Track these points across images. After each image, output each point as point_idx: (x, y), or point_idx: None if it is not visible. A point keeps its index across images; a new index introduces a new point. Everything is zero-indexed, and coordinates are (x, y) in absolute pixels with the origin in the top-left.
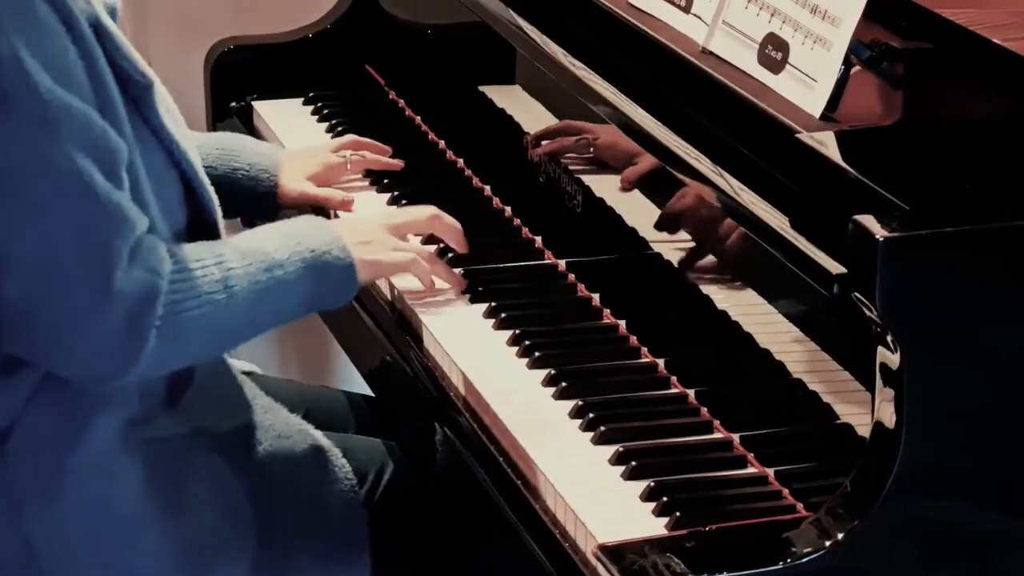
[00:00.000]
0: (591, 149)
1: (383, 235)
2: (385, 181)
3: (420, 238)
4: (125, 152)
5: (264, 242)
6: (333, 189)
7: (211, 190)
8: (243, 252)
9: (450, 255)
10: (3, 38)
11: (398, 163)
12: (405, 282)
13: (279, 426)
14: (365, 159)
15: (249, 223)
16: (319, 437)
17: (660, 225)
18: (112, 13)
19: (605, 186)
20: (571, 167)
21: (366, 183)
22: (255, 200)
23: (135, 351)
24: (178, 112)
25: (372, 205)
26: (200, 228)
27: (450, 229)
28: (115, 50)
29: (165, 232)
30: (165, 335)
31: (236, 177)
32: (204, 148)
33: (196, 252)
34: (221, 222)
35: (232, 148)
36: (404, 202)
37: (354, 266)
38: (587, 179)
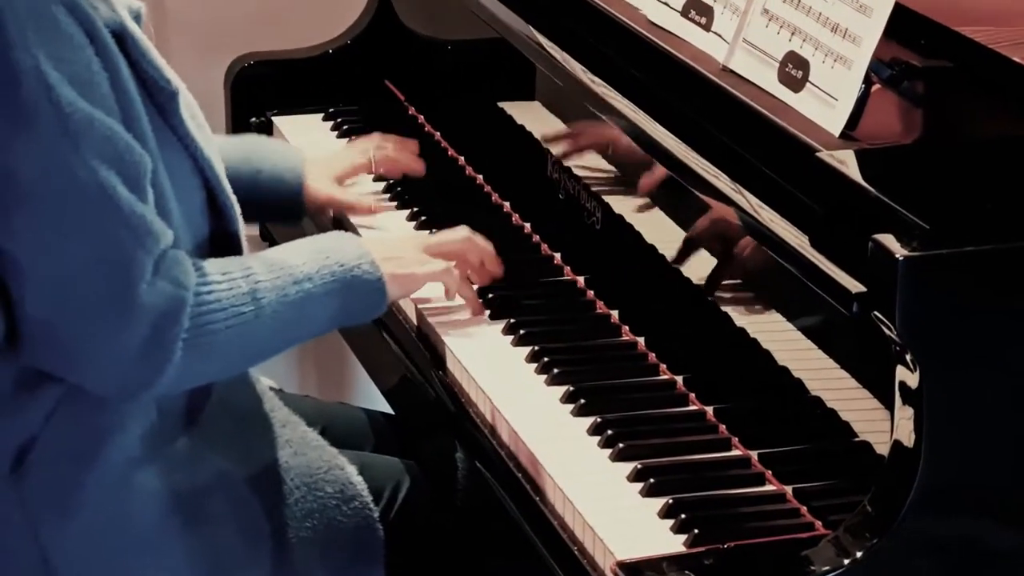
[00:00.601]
0: (609, 150)
1: (414, 252)
2: (406, 197)
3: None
4: (149, 164)
5: (292, 256)
6: (360, 195)
7: (233, 198)
8: (271, 265)
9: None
10: (26, 52)
11: (420, 164)
12: (425, 299)
13: (296, 442)
14: (388, 154)
15: (270, 239)
16: (335, 454)
17: (679, 243)
18: (137, 18)
19: (624, 203)
20: (590, 184)
21: (385, 198)
22: (280, 201)
23: (161, 363)
24: (203, 119)
25: (392, 221)
26: (222, 239)
27: (484, 250)
28: (140, 56)
29: (187, 242)
30: (192, 348)
31: (260, 179)
32: (227, 151)
33: (223, 265)
34: (243, 232)
35: (255, 150)
36: (424, 218)
37: (383, 280)
38: (606, 196)
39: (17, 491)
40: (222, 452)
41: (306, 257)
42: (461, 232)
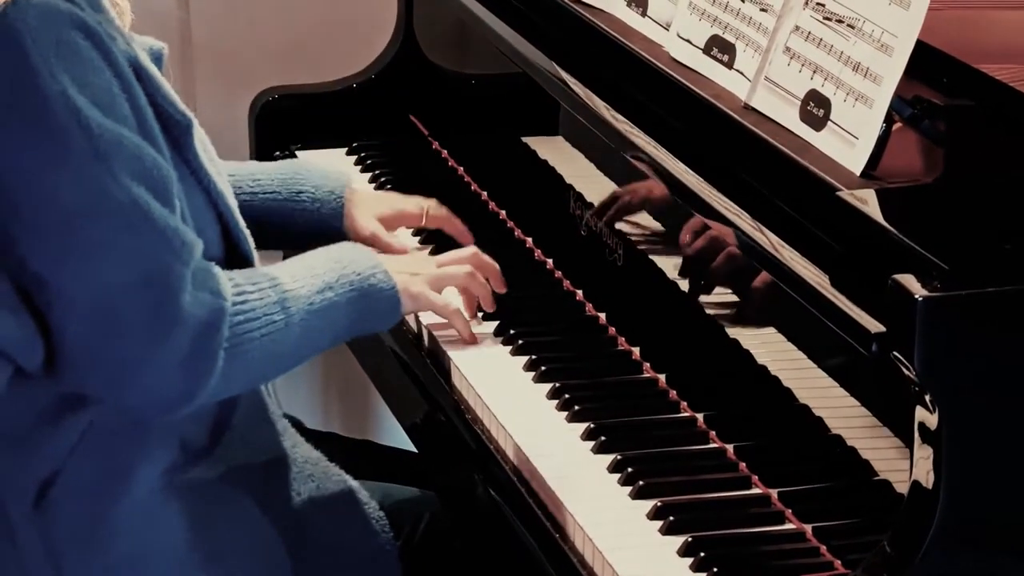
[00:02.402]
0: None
1: (427, 267)
2: (427, 232)
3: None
4: (173, 176)
5: (313, 265)
6: (405, 244)
7: (247, 231)
8: (294, 275)
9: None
10: (52, 78)
11: (469, 236)
12: (444, 331)
13: (318, 476)
14: (442, 215)
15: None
16: (357, 488)
17: (700, 280)
18: (158, 59)
19: (647, 240)
20: (613, 220)
21: (407, 232)
22: (319, 224)
23: (204, 374)
24: (215, 153)
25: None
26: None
27: (489, 266)
28: (155, 91)
29: None
30: (232, 357)
31: (301, 199)
32: (267, 173)
33: (250, 275)
34: (257, 264)
35: (297, 172)
36: None
37: (397, 290)
38: (629, 232)
39: (39, 526)
40: (244, 486)
41: (325, 266)
42: (468, 249)
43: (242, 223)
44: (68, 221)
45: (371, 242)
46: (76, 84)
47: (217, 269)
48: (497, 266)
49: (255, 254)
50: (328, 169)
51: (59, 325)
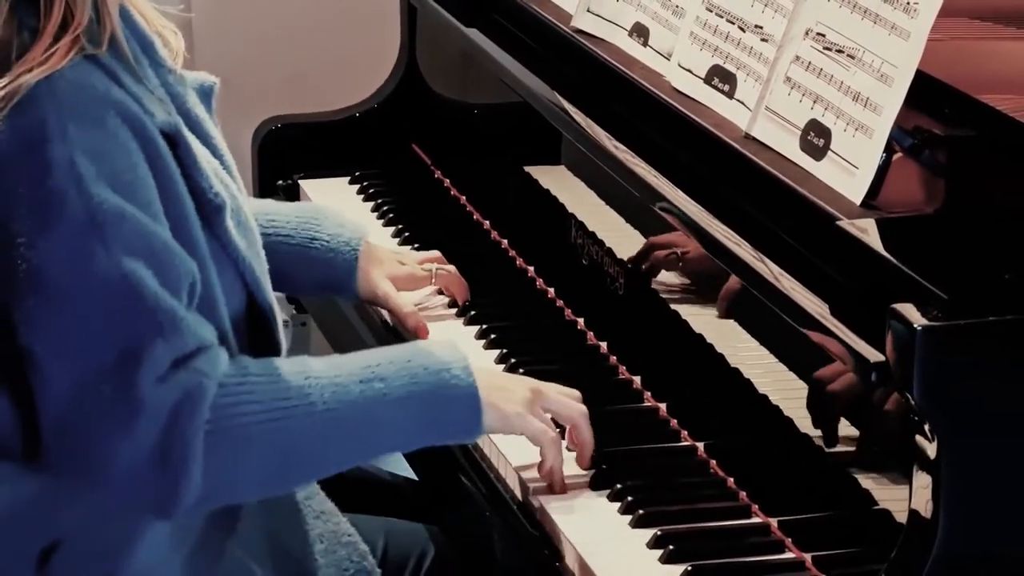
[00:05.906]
0: (680, 264)
1: (524, 392)
2: (399, 227)
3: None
4: (193, 273)
5: (368, 357)
6: (413, 307)
7: (272, 298)
8: (336, 364)
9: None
10: (62, 144)
11: (468, 294)
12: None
13: (328, 537)
14: (450, 275)
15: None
16: (366, 552)
17: (701, 309)
18: (208, 94)
19: (647, 269)
20: (614, 250)
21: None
22: (331, 273)
23: (180, 461)
24: (250, 221)
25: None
26: (262, 338)
27: (586, 435)
28: (191, 164)
29: (230, 338)
30: (218, 443)
31: (313, 246)
32: (283, 216)
33: (274, 362)
34: (281, 333)
35: (314, 217)
36: None
37: (477, 389)
38: (630, 262)
39: None
40: (251, 551)
41: (386, 359)
42: (579, 406)
43: (268, 290)
44: (52, 289)
45: (380, 301)
46: (89, 154)
47: (222, 353)
48: (592, 440)
49: (280, 323)
50: (346, 218)
51: (40, 402)
